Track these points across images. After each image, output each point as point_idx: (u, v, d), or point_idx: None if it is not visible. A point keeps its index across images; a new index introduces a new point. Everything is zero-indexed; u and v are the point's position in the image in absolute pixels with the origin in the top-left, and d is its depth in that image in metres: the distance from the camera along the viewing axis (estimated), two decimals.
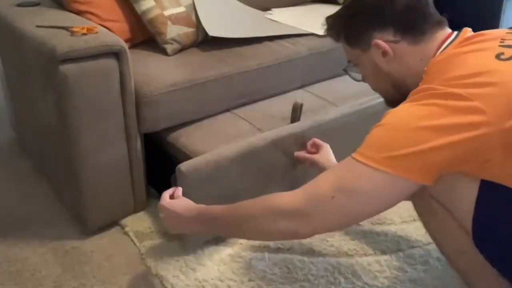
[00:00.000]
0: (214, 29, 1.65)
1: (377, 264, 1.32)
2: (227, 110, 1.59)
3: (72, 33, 1.27)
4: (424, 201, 0.93)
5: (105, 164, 1.36)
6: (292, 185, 1.53)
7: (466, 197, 0.86)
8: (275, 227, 0.92)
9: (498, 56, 0.83)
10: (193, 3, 1.69)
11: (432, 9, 0.97)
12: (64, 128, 1.29)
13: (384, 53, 0.97)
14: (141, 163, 1.45)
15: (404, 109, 0.84)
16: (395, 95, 1.01)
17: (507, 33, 0.92)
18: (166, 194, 1.16)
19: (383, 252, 1.37)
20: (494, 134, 0.77)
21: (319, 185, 0.88)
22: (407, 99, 0.86)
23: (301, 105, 1.48)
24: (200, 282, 1.27)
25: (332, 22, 1.07)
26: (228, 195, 1.31)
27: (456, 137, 0.78)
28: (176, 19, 1.61)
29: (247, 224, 0.97)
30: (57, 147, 1.41)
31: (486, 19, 2.38)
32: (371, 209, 0.87)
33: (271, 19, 1.98)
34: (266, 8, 2.12)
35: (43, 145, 1.59)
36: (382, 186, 0.83)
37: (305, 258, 1.34)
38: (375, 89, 1.08)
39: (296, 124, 1.45)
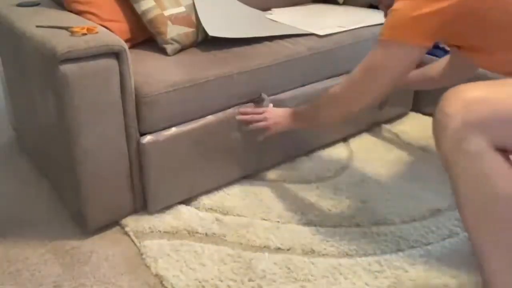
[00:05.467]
0: (214, 29, 1.65)
1: (377, 264, 1.32)
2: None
3: (72, 33, 1.27)
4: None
5: (105, 164, 1.36)
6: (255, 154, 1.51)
7: None
8: (332, 111, 1.33)
9: None
10: (193, 3, 1.69)
11: None
12: (64, 128, 1.29)
13: None
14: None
15: None
16: None
17: None
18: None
19: (383, 252, 1.37)
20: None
21: (353, 72, 1.21)
22: None
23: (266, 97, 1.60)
24: (200, 282, 1.27)
25: None
26: (185, 165, 1.49)
27: (445, 3, 1.02)
28: (176, 19, 1.61)
29: (321, 113, 1.37)
30: (57, 147, 1.41)
31: None
32: (388, 79, 1.16)
33: (271, 19, 1.98)
34: (266, 8, 2.12)
35: (43, 145, 1.59)
36: (394, 55, 1.11)
37: (305, 258, 1.34)
38: None
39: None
